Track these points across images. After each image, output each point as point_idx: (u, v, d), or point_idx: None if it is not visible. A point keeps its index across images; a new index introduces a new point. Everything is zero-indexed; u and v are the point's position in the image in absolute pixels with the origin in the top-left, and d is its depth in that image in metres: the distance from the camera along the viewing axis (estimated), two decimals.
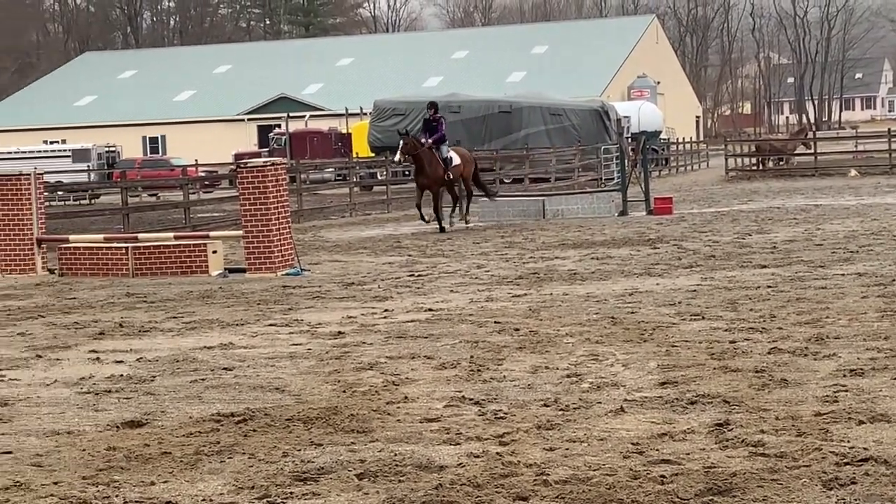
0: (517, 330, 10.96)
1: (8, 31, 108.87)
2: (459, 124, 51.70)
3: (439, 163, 25.26)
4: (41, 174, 19.67)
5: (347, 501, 5.86)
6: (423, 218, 25.20)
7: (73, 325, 12.62)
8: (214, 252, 17.87)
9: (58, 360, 10.43)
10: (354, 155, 52.14)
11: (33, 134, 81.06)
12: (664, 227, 23.40)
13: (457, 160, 25.68)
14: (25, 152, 66.36)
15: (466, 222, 26.31)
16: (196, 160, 55.25)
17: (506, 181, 44.94)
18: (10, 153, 66.96)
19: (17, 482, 6.33)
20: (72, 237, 19.65)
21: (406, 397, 8.20)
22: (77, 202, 53.36)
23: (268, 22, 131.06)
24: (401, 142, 25.07)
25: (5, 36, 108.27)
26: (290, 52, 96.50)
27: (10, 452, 7.05)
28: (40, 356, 10.62)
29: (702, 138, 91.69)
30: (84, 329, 12.30)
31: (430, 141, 25.28)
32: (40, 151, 67.68)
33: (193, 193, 41.11)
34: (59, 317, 13.46)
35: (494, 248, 20.61)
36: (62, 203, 51.57)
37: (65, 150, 67.81)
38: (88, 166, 63.94)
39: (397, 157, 25.45)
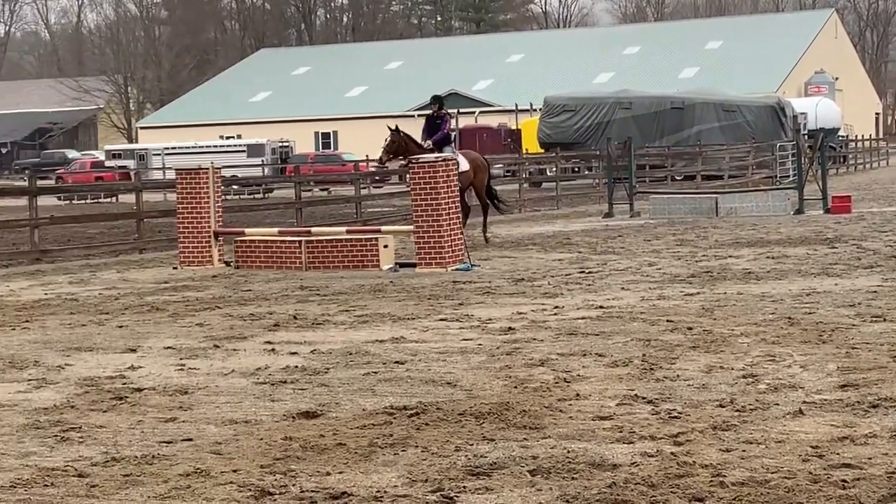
0: (690, 329, 10.80)
1: (187, 29, 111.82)
2: (630, 121, 51.36)
3: None
4: (218, 168, 20.12)
5: (521, 497, 5.83)
6: None
7: (248, 317, 12.87)
8: (385, 246, 18.04)
9: (235, 350, 10.64)
10: (524, 151, 52.14)
11: (210, 129, 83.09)
12: (842, 226, 22.83)
13: (465, 165, 21.40)
14: (203, 147, 68.12)
15: (486, 240, 22.41)
16: (367, 155, 55.91)
17: (677, 178, 44.43)
18: (188, 148, 68.83)
19: (198, 469, 6.47)
20: (247, 230, 20.06)
21: (578, 394, 8.14)
22: (251, 196, 54.50)
23: (439, 18, 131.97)
24: (388, 138, 21.22)
25: (185, 34, 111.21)
26: (460, 48, 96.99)
27: (190, 440, 7.22)
28: (218, 346, 10.85)
29: (881, 136, 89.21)
30: (260, 321, 12.54)
31: (429, 142, 21.46)
32: (217, 146, 69.44)
33: (364, 188, 41.62)
34: (235, 308, 13.75)
35: (666, 245, 20.37)
36: (237, 197, 52.74)
37: (240, 145, 69.40)
38: (262, 161, 65.33)
39: (380, 157, 21.44)
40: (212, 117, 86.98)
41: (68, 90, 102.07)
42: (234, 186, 50.30)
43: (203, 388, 8.86)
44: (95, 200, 54.02)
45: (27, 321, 13.14)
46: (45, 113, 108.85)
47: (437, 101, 22.51)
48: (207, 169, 19.63)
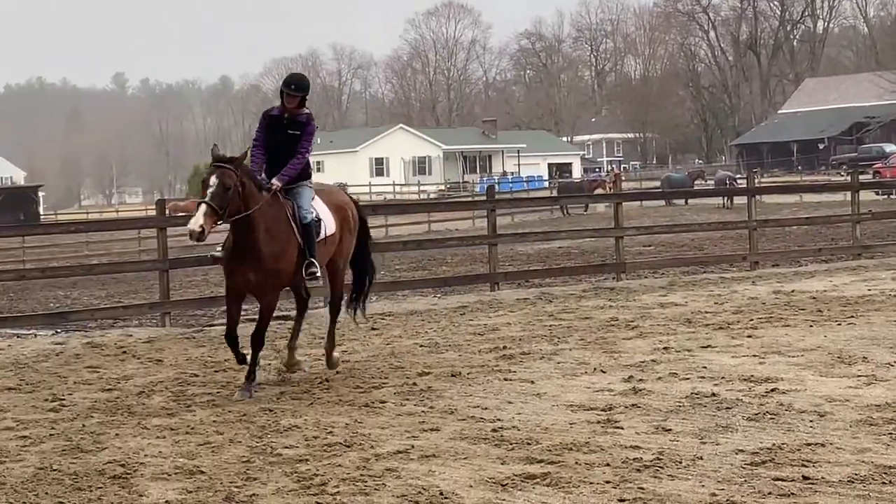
0: None
1: None
2: None
3: (291, 234, 10.74)
4: None
5: None
6: (240, 359, 10.79)
7: None
8: None
9: None
10: None
11: None
12: None
13: (331, 225, 11.22)
14: None
15: (296, 360, 11.37)
16: None
17: None
18: None
19: None
20: None
21: None
22: None
23: None
24: (211, 180, 10.11)
25: None
26: None
27: None
28: None
29: None
30: None
31: (277, 183, 10.68)
32: None
33: None
34: None
35: None
36: None
37: None
38: None
39: (194, 226, 9.78)
40: None
41: (886, 83, 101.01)
42: None
43: None
44: None
45: (852, 316, 13.23)
46: (862, 107, 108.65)
47: (298, 86, 10.95)
48: None
